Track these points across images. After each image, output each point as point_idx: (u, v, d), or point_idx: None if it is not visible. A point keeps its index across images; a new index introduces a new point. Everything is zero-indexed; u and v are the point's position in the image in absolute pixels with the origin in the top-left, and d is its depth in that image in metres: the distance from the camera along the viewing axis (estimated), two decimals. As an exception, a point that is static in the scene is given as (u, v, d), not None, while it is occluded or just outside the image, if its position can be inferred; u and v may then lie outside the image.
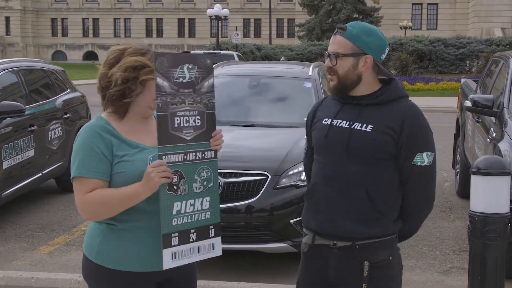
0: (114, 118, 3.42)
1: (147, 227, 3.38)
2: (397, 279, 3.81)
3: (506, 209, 4.97)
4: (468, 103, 9.14)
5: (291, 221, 7.26)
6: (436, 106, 27.94)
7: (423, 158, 3.62)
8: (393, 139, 3.57)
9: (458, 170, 11.37)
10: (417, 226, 3.96)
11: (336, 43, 3.74)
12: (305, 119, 8.77)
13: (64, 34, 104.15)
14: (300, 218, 7.13)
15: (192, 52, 36.21)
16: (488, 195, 4.96)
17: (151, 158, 3.36)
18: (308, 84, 9.47)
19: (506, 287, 5.30)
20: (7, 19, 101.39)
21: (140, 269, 3.44)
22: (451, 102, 24.59)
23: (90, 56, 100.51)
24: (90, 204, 3.31)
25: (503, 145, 7.66)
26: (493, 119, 8.61)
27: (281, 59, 39.55)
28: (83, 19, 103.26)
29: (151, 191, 3.23)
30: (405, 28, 71.65)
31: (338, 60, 3.68)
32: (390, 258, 3.71)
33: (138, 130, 3.47)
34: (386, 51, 3.86)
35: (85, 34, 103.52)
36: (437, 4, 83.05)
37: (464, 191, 10.40)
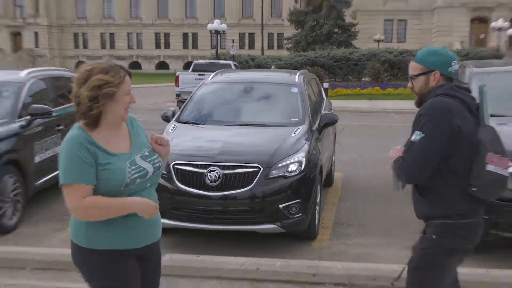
0: (88, 129, 3.41)
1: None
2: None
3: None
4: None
5: (280, 206, 7.33)
6: (404, 108, 27.98)
7: (415, 136, 3.88)
8: None
9: (422, 162, 11.41)
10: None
11: (410, 68, 4.13)
12: (293, 119, 8.88)
13: (85, 46, 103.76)
14: (288, 203, 7.28)
15: (194, 62, 36.05)
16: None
17: (128, 165, 3.42)
18: (295, 89, 9.49)
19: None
20: (36, 34, 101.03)
21: (125, 247, 3.50)
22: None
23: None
24: (88, 209, 3.33)
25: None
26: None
27: (272, 68, 39.55)
28: (101, 33, 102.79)
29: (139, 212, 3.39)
30: (378, 41, 71.55)
31: (413, 81, 4.11)
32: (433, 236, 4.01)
33: (111, 138, 3.47)
34: (454, 64, 4.03)
35: (103, 46, 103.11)
36: (406, 20, 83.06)
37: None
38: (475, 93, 8.76)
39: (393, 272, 6.39)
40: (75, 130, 3.42)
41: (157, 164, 3.61)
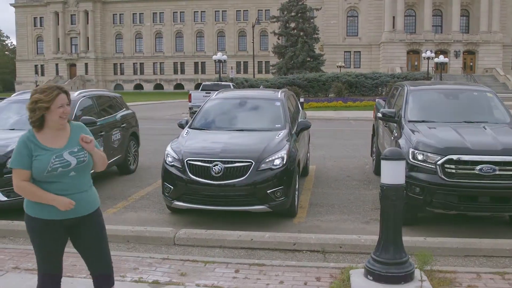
0: (36, 131, 3.57)
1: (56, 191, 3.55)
2: None
3: (402, 181, 4.93)
4: (379, 115, 9.10)
5: (268, 191, 7.23)
6: (361, 117, 28.02)
7: None
8: None
9: (374, 157, 11.37)
10: None
11: None
12: (277, 125, 8.78)
13: (122, 73, 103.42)
14: (274, 189, 7.17)
15: (203, 83, 35.96)
16: (391, 172, 4.92)
17: (54, 157, 3.52)
18: (278, 103, 9.37)
19: (403, 231, 5.25)
20: (86, 64, 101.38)
21: (49, 217, 3.56)
22: (370, 114, 24.64)
23: (138, 87, 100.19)
24: (22, 190, 3.52)
25: (401, 141, 7.64)
26: (395, 124, 8.58)
27: (260, 87, 39.43)
28: (133, 63, 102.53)
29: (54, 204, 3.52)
30: (340, 67, 71.64)
31: None
32: None
33: (52, 137, 3.59)
34: None
35: (135, 72, 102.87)
36: (360, 51, 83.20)
37: (378, 171, 10.40)
38: (413, 105, 8.60)
39: (354, 240, 6.32)
40: (26, 132, 3.62)
41: (82, 158, 3.62)
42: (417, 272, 4.96)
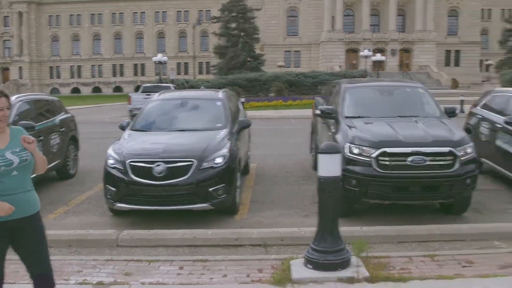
0: None
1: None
2: None
3: (338, 173, 5.18)
4: (318, 112, 9.38)
5: (210, 189, 7.34)
6: (301, 115, 28.45)
7: None
8: None
9: (313, 153, 11.65)
10: None
11: None
12: (218, 125, 8.91)
13: (58, 76, 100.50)
14: (216, 187, 7.30)
15: (143, 85, 35.64)
16: (328, 165, 5.15)
17: None
18: (219, 103, 9.50)
19: (340, 222, 5.49)
20: (20, 68, 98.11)
21: None
22: (309, 112, 25.04)
23: (75, 90, 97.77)
24: None
25: (338, 136, 7.94)
26: (333, 121, 8.86)
27: (201, 88, 39.39)
28: (71, 66, 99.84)
29: None
30: (280, 66, 72.22)
31: None
32: None
33: None
34: None
35: (72, 76, 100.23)
36: (300, 51, 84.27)
37: (317, 166, 10.66)
38: (349, 101, 8.89)
39: (294, 233, 6.55)
40: None
41: (24, 157, 3.67)
42: (353, 259, 5.24)
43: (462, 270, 5.27)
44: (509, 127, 9.33)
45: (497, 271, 5.23)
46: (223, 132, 8.40)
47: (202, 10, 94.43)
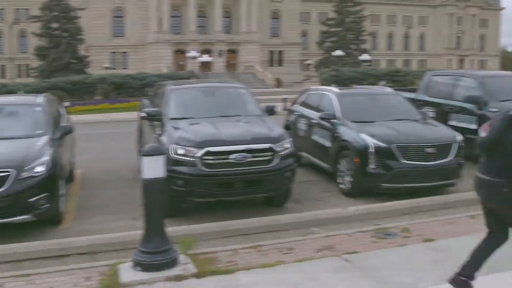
0: None
1: None
2: None
3: (162, 175, 5.28)
4: (143, 114, 9.41)
5: (31, 200, 7.00)
6: (128, 118, 27.90)
7: None
8: None
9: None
10: None
11: None
12: (38, 131, 8.44)
13: None
14: (37, 197, 6.96)
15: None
16: (151, 167, 5.23)
17: None
18: (38, 108, 9.07)
19: (169, 222, 5.59)
20: None
21: None
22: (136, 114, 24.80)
23: None
24: None
25: (163, 138, 8.06)
26: (159, 123, 8.93)
27: (19, 93, 36.83)
28: None
29: None
30: (107, 68, 70.31)
31: None
32: None
33: None
34: None
35: None
36: (127, 52, 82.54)
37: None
38: (174, 103, 8.97)
39: (122, 237, 6.54)
40: None
41: None
42: (182, 257, 5.41)
43: (283, 256, 5.73)
44: (323, 122, 10.24)
45: (314, 254, 5.79)
46: (44, 139, 8.04)
47: (20, 9, 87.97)
